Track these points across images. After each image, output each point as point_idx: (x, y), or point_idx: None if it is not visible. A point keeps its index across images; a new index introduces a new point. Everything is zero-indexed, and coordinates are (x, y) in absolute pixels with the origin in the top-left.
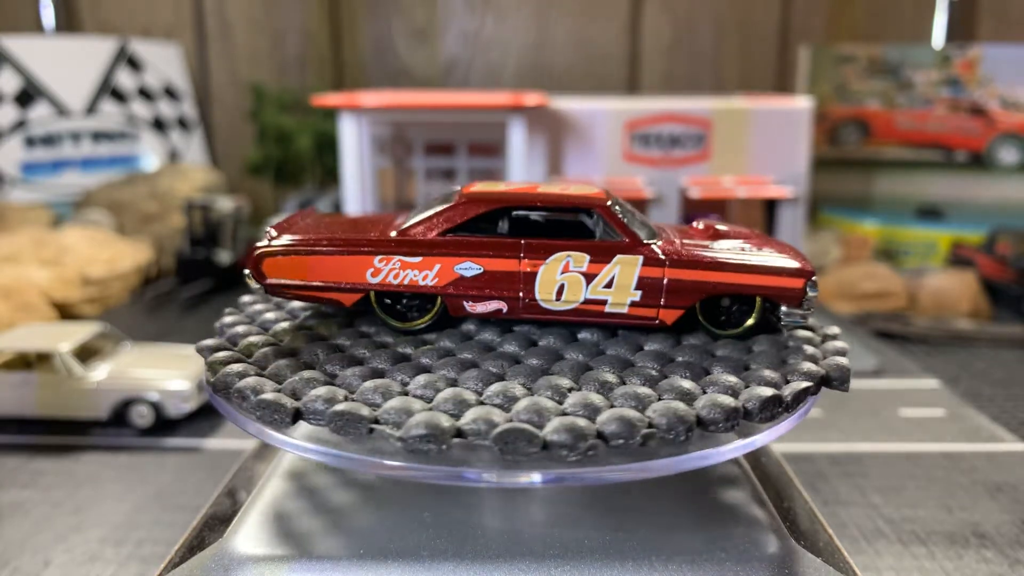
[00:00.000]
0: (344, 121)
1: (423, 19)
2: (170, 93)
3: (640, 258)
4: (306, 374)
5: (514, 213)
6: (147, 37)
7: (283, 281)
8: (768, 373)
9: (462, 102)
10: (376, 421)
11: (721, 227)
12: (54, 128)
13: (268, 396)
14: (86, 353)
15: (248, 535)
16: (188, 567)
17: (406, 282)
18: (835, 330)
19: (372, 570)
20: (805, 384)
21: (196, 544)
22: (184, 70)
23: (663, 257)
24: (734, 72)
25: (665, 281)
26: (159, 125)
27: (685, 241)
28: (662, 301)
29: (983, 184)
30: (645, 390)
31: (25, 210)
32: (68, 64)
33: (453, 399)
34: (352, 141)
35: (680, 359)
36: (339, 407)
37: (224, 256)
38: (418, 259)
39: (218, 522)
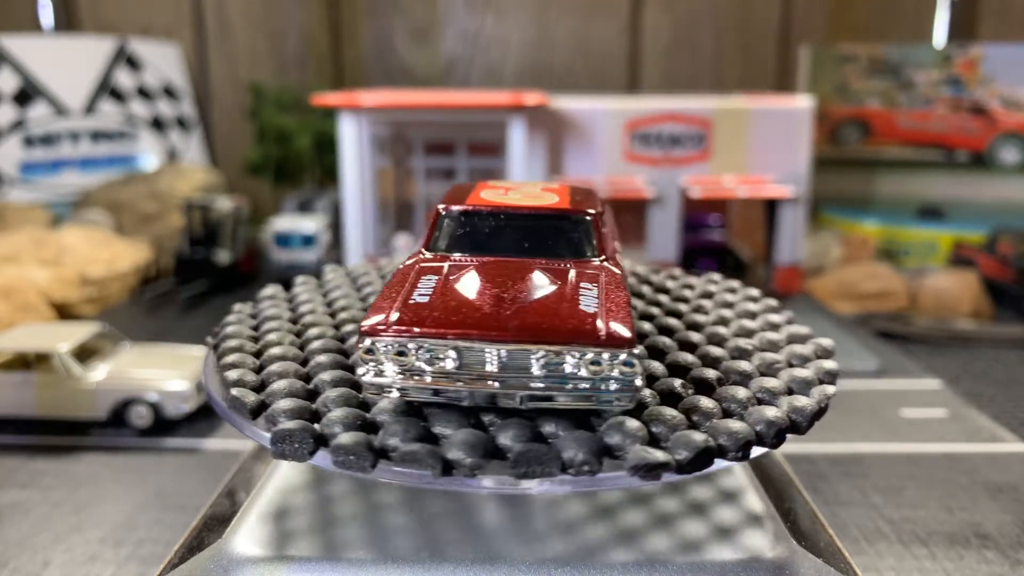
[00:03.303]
0: (344, 121)
1: (423, 19)
2: (169, 93)
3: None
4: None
5: None
6: (146, 36)
7: None
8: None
9: (462, 102)
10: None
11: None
12: (53, 128)
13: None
14: (85, 353)
15: (247, 535)
16: (188, 567)
17: None
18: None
19: (372, 570)
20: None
21: (195, 544)
22: (183, 69)
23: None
24: (734, 72)
25: None
26: (158, 125)
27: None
28: None
29: (984, 184)
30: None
31: (24, 210)
32: (67, 64)
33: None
34: (352, 141)
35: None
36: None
37: (223, 256)
38: None
39: (217, 522)
